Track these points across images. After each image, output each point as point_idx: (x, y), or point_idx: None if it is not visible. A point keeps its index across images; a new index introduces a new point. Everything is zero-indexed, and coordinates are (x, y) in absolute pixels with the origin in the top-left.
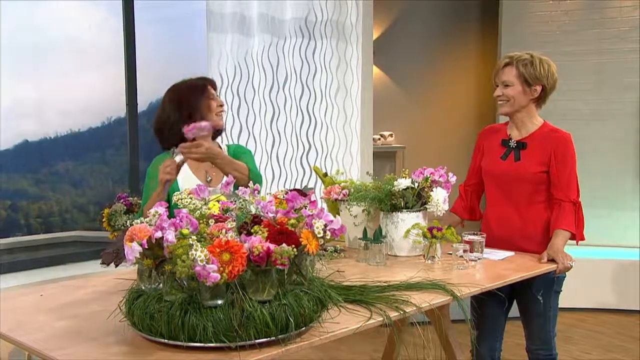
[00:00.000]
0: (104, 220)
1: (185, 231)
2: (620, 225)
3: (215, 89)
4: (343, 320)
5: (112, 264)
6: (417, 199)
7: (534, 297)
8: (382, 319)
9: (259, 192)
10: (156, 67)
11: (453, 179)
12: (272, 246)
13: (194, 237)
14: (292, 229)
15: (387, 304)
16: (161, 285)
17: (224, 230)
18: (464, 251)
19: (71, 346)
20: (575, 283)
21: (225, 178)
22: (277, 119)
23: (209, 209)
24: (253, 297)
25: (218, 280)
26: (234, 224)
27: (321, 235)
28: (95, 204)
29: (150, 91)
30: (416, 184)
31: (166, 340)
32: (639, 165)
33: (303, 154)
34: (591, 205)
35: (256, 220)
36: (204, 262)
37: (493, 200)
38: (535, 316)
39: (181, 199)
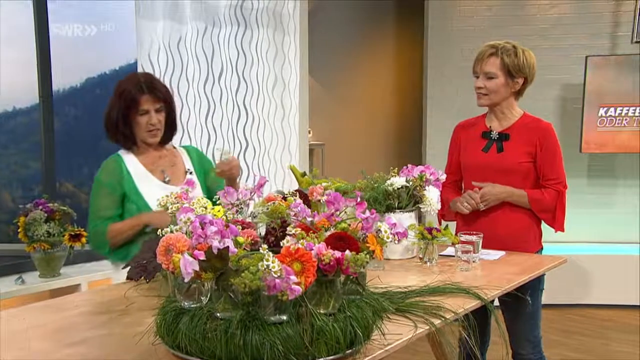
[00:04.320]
0: (19, 230)
1: (241, 239)
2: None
3: (154, 94)
4: (390, 329)
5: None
6: (410, 199)
7: (522, 298)
8: (427, 327)
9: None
10: (68, 55)
11: (443, 177)
12: (338, 253)
13: (265, 246)
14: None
15: (425, 311)
16: (202, 301)
17: (287, 238)
18: (465, 252)
19: None
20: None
21: (255, 178)
22: (213, 114)
23: (237, 214)
24: (317, 310)
25: (300, 293)
26: (294, 230)
27: (390, 239)
28: None
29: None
30: (410, 183)
31: None
32: None
33: (240, 152)
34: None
35: (285, 225)
36: (279, 274)
37: None
38: (525, 319)
39: (172, 203)
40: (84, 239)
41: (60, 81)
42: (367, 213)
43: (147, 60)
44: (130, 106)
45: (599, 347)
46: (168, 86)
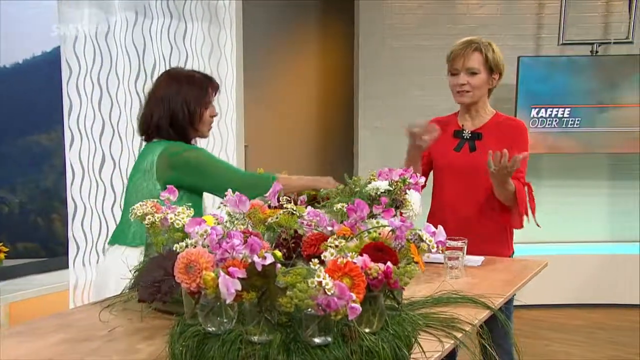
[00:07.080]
0: None
1: (278, 253)
2: None
3: (216, 92)
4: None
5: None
6: (392, 203)
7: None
8: (452, 341)
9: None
10: None
11: (421, 180)
12: (383, 266)
13: (315, 261)
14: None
15: (443, 323)
16: (229, 324)
17: (330, 251)
18: (451, 258)
19: None
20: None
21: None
22: None
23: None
24: (361, 329)
25: (360, 311)
26: (337, 241)
27: (435, 249)
28: None
29: None
30: (393, 187)
31: None
32: None
33: None
34: None
35: (297, 235)
36: (332, 291)
37: (446, 196)
38: (500, 325)
39: (148, 213)
40: (2, 255)
41: None
42: (398, 220)
43: (72, 54)
44: (204, 96)
45: (542, 348)
46: (96, 83)
